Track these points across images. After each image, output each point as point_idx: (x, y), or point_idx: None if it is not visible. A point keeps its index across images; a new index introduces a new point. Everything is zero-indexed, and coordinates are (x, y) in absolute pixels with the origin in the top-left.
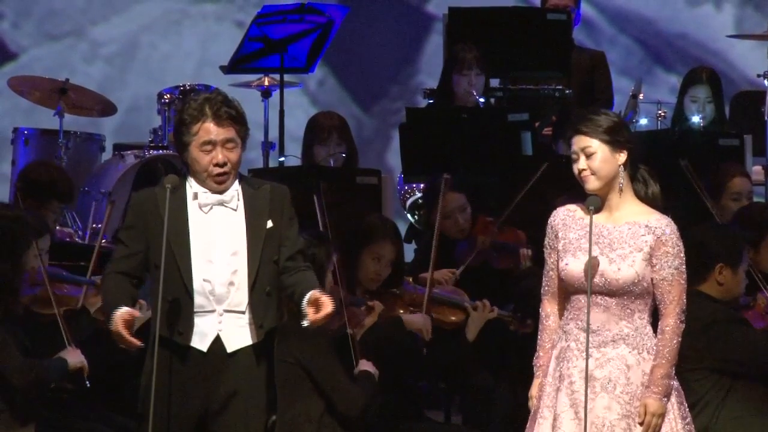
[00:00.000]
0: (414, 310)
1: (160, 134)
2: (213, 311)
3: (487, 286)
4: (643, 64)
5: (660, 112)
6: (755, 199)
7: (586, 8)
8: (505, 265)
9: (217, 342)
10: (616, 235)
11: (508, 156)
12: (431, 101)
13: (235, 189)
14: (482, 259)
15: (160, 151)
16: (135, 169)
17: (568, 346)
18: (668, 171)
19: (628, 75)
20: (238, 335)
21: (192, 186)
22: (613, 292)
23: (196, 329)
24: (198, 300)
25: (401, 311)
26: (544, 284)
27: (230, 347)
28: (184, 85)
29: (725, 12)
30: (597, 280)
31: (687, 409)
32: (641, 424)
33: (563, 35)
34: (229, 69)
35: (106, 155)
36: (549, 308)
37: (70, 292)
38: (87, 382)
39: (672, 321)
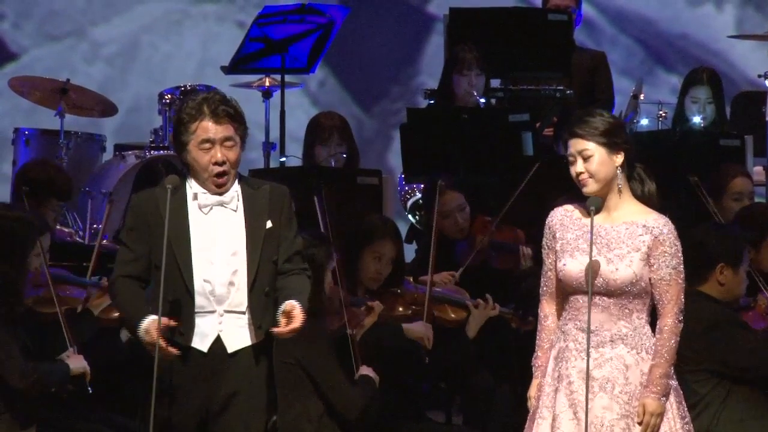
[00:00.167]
0: (415, 308)
1: (161, 135)
2: (213, 312)
3: (487, 286)
4: (644, 64)
5: (661, 112)
6: (756, 200)
7: (587, 8)
8: (504, 264)
9: (218, 342)
10: (613, 235)
11: (508, 156)
12: (432, 102)
13: (235, 189)
14: (481, 258)
15: (161, 152)
16: (136, 170)
17: (567, 346)
18: (669, 171)
19: (629, 75)
20: (238, 336)
21: (192, 186)
22: (611, 292)
23: (196, 330)
24: (198, 300)
25: (402, 309)
26: (542, 285)
27: (231, 347)
28: (184, 86)
29: (726, 12)
30: (595, 280)
31: (686, 409)
32: (640, 423)
33: (564, 36)
34: (230, 69)
35: (107, 155)
36: (547, 309)
37: (74, 294)
38: (89, 388)
39: (670, 320)
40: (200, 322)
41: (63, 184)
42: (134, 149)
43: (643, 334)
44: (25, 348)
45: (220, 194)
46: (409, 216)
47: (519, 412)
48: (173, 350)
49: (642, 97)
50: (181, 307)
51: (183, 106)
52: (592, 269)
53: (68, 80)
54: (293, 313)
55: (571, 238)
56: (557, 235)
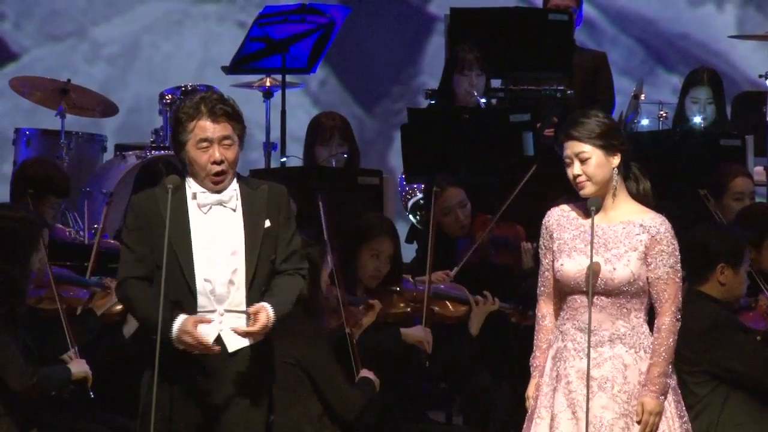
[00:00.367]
0: (415, 306)
1: (162, 135)
2: (214, 311)
3: (487, 282)
4: (644, 64)
5: (661, 112)
6: (757, 200)
7: (587, 9)
8: (504, 260)
9: (218, 342)
10: (610, 235)
11: (509, 157)
12: (433, 102)
13: (234, 189)
14: (481, 255)
15: (162, 152)
16: (136, 170)
17: (565, 346)
18: (669, 171)
19: (630, 75)
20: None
21: (191, 186)
22: (609, 291)
23: (197, 329)
24: (199, 300)
25: (401, 306)
26: (539, 285)
27: (231, 347)
28: (185, 86)
29: (727, 12)
30: (596, 281)
31: (684, 408)
32: (639, 422)
33: (565, 36)
34: (231, 69)
35: (108, 156)
36: (545, 308)
37: (78, 295)
38: (91, 393)
39: (668, 319)
40: None
41: (61, 182)
42: (135, 149)
43: (641, 334)
44: (26, 349)
45: (219, 192)
46: (410, 216)
47: (519, 411)
48: (216, 347)
49: (643, 97)
50: (182, 307)
51: (180, 105)
52: (593, 271)
53: (69, 80)
54: (258, 316)
55: (568, 238)
56: (554, 235)
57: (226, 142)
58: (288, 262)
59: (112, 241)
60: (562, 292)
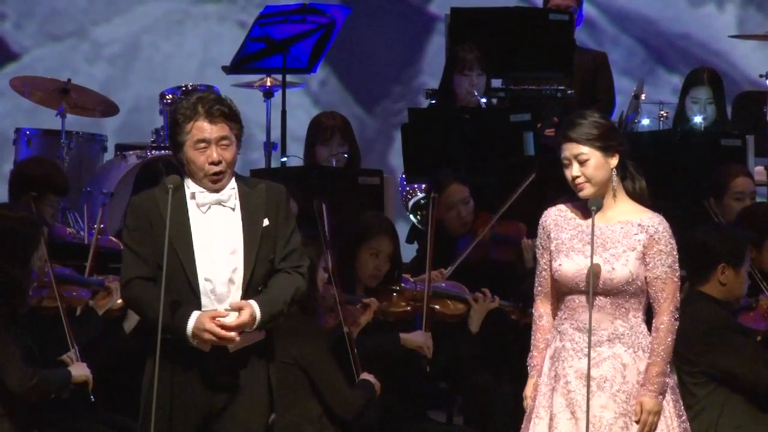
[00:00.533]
0: (415, 305)
1: (162, 134)
2: (214, 311)
3: (487, 280)
4: (645, 64)
5: (662, 112)
6: (757, 200)
7: (588, 8)
8: (505, 256)
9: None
10: (609, 235)
11: (510, 157)
12: (433, 102)
13: (232, 188)
14: (482, 253)
15: (162, 152)
16: (137, 170)
17: (563, 346)
18: (670, 171)
19: (630, 75)
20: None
21: (189, 186)
22: (608, 291)
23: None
24: (201, 299)
25: (402, 305)
26: (536, 284)
27: (232, 347)
28: (186, 86)
29: (727, 12)
30: (597, 283)
31: (682, 407)
32: (637, 422)
33: (565, 36)
34: (231, 69)
35: (108, 155)
36: (542, 308)
37: (81, 295)
38: (92, 397)
39: (666, 319)
40: None
41: (59, 180)
42: (135, 149)
43: (639, 333)
44: (27, 350)
45: (217, 192)
46: (410, 216)
47: (519, 411)
48: (235, 336)
49: (643, 97)
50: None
51: (178, 106)
52: (594, 273)
53: (69, 80)
54: (240, 312)
55: (565, 238)
56: (552, 235)
57: (224, 142)
58: (287, 260)
59: (114, 239)
60: (560, 291)
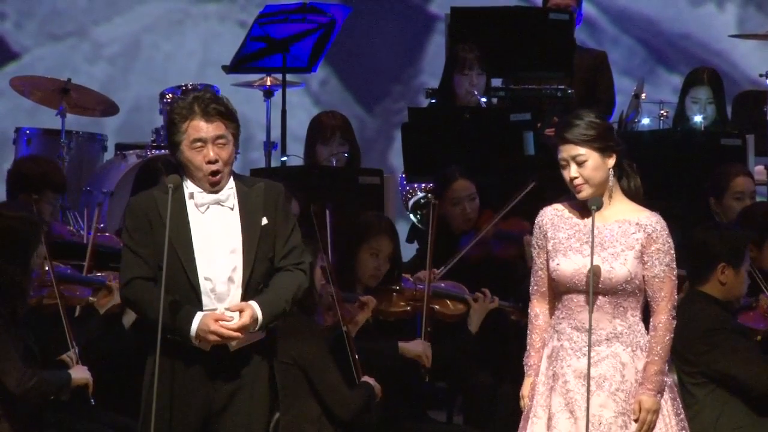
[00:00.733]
0: (414, 305)
1: (162, 134)
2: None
3: (489, 278)
4: (645, 64)
5: (662, 112)
6: (757, 199)
7: (588, 8)
8: (507, 253)
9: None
10: (606, 234)
11: (510, 156)
12: (433, 101)
13: (230, 187)
14: (484, 250)
15: (162, 151)
16: (137, 169)
17: (561, 345)
18: (670, 171)
19: (631, 75)
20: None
21: (188, 186)
22: (607, 290)
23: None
24: (201, 299)
25: (401, 305)
26: (532, 284)
27: (232, 346)
28: (186, 85)
29: (727, 12)
30: (598, 284)
31: (680, 406)
32: (636, 420)
33: (565, 35)
34: (231, 69)
35: (108, 155)
36: (538, 308)
37: (81, 294)
38: (92, 400)
39: (664, 318)
40: None
41: (57, 177)
42: (135, 149)
43: (637, 332)
44: (27, 350)
45: (216, 192)
46: (411, 215)
47: (519, 411)
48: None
49: (643, 96)
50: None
51: (174, 106)
52: (594, 274)
53: (69, 80)
54: (241, 314)
55: (563, 237)
56: (548, 234)
57: (220, 141)
58: (287, 258)
59: (115, 237)
60: (558, 291)
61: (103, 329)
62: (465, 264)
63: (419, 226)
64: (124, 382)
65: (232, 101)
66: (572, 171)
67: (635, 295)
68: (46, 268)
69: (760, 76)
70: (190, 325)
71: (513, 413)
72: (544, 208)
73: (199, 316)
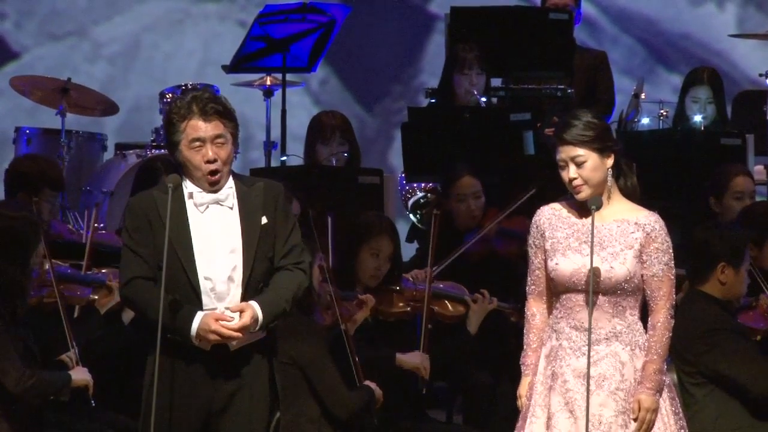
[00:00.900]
0: (414, 305)
1: (162, 134)
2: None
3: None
4: (645, 63)
5: (662, 111)
6: (757, 199)
7: (588, 8)
8: (510, 250)
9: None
10: (605, 234)
11: (510, 156)
12: (433, 101)
13: (230, 187)
14: (487, 247)
15: (162, 151)
16: (136, 169)
17: (560, 345)
18: (670, 170)
19: (630, 75)
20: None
21: (187, 186)
22: (606, 290)
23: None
24: (201, 298)
25: (401, 305)
26: (529, 283)
27: (232, 345)
28: (186, 85)
29: (727, 12)
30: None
31: (679, 405)
32: (635, 419)
33: (565, 35)
34: (231, 68)
35: (108, 155)
36: (535, 307)
37: (82, 293)
38: (92, 401)
39: (663, 317)
40: None
41: (55, 175)
42: (135, 148)
43: (636, 331)
44: (27, 351)
45: (215, 192)
46: (410, 215)
47: (518, 411)
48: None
49: (643, 96)
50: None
51: (172, 106)
52: (594, 275)
53: (69, 79)
54: (241, 314)
55: (561, 237)
56: (546, 233)
57: (219, 140)
58: (287, 257)
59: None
60: (556, 290)
61: (103, 328)
62: (467, 261)
63: (419, 225)
64: (124, 382)
65: (232, 101)
66: (571, 172)
67: (634, 294)
68: (46, 267)
69: (760, 75)
70: (191, 324)
71: (512, 413)
72: (541, 208)
73: (199, 315)
